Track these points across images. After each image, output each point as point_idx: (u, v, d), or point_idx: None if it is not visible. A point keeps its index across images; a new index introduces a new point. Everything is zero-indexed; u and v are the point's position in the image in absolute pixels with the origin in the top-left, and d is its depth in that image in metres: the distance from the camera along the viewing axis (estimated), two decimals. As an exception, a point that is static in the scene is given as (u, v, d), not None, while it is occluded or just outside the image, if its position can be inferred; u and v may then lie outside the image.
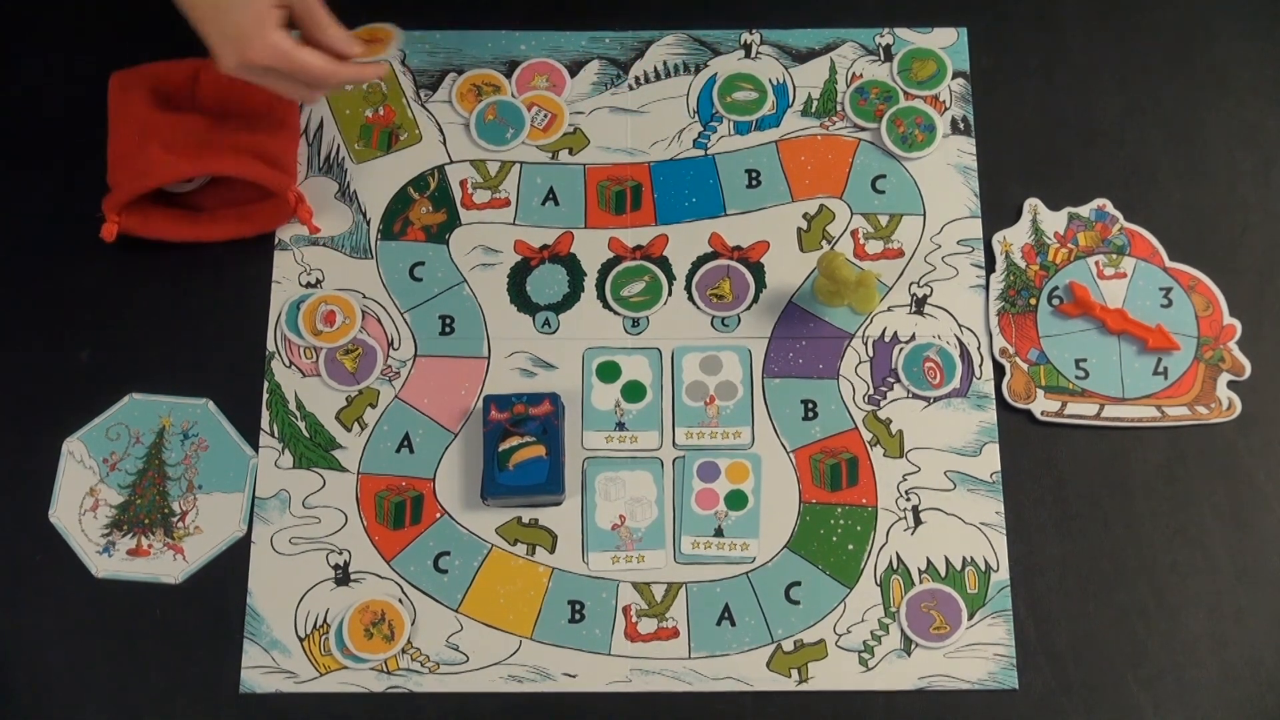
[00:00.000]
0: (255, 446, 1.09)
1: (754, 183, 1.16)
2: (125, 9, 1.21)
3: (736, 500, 1.07)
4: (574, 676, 1.03)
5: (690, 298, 1.13)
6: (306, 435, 1.09)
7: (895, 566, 1.06)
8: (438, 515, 1.07)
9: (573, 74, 1.19)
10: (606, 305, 1.13)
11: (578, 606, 1.05)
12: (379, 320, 1.12)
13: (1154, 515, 1.07)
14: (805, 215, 1.15)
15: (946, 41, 1.20)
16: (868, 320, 1.12)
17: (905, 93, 1.18)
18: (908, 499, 1.07)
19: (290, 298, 1.13)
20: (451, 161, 1.17)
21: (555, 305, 1.13)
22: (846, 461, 1.08)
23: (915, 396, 1.10)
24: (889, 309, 1.12)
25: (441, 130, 1.18)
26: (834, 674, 1.03)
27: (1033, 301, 1.12)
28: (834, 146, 1.17)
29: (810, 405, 1.10)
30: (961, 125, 1.17)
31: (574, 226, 1.15)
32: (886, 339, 1.11)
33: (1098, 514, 1.07)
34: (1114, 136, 1.17)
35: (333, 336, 1.11)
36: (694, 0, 1.22)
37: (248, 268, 1.14)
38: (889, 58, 1.19)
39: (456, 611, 1.05)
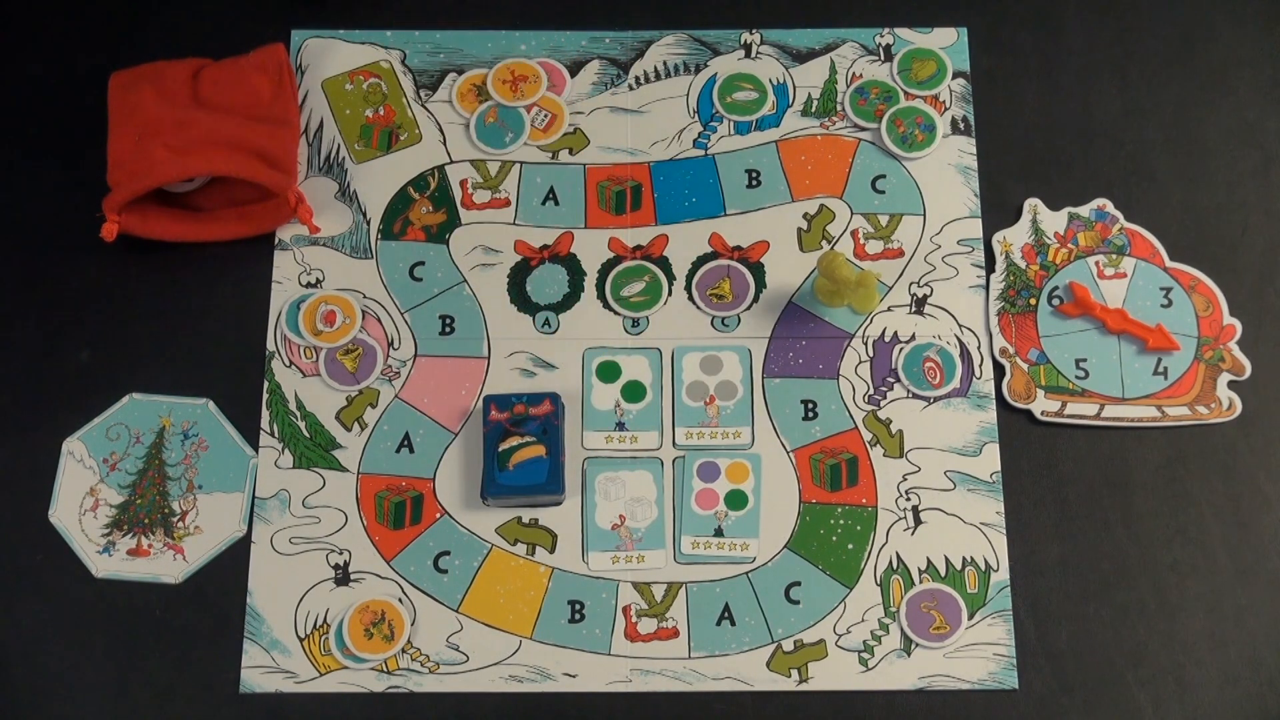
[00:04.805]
0: (255, 446, 1.09)
1: (754, 183, 1.16)
2: (125, 9, 1.21)
3: (736, 500, 1.07)
4: (574, 676, 1.03)
5: (690, 298, 1.13)
6: (306, 435, 1.09)
7: (895, 566, 1.06)
8: (438, 515, 1.07)
9: (573, 74, 1.19)
10: (606, 305, 1.13)
11: (578, 606, 1.05)
12: (379, 320, 1.12)
13: (1154, 515, 1.07)
14: (805, 215, 1.15)
15: (946, 41, 1.20)
16: (868, 320, 1.12)
17: (905, 93, 1.18)
18: (908, 499, 1.07)
19: (290, 298, 1.13)
20: (451, 161, 1.17)
21: (555, 305, 1.13)
22: (846, 461, 1.08)
23: (915, 396, 1.10)
24: (889, 309, 1.12)
25: (441, 130, 1.18)
26: (834, 674, 1.03)
27: (1033, 301, 1.12)
28: (834, 146, 1.17)
29: (810, 405, 1.10)
30: (961, 125, 1.17)
31: (574, 226, 1.15)
32: (886, 339, 1.11)
33: (1098, 514, 1.07)
34: (1114, 136, 1.17)
35: (333, 336, 1.11)
36: (694, 0, 1.22)
37: (248, 268, 1.14)
38: (889, 58, 1.19)
39: (456, 611, 1.05)
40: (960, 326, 1.12)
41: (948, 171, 1.16)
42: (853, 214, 1.15)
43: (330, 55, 1.20)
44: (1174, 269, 1.13)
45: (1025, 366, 1.10)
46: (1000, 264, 1.13)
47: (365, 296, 1.13)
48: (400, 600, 1.05)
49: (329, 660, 1.04)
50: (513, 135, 1.17)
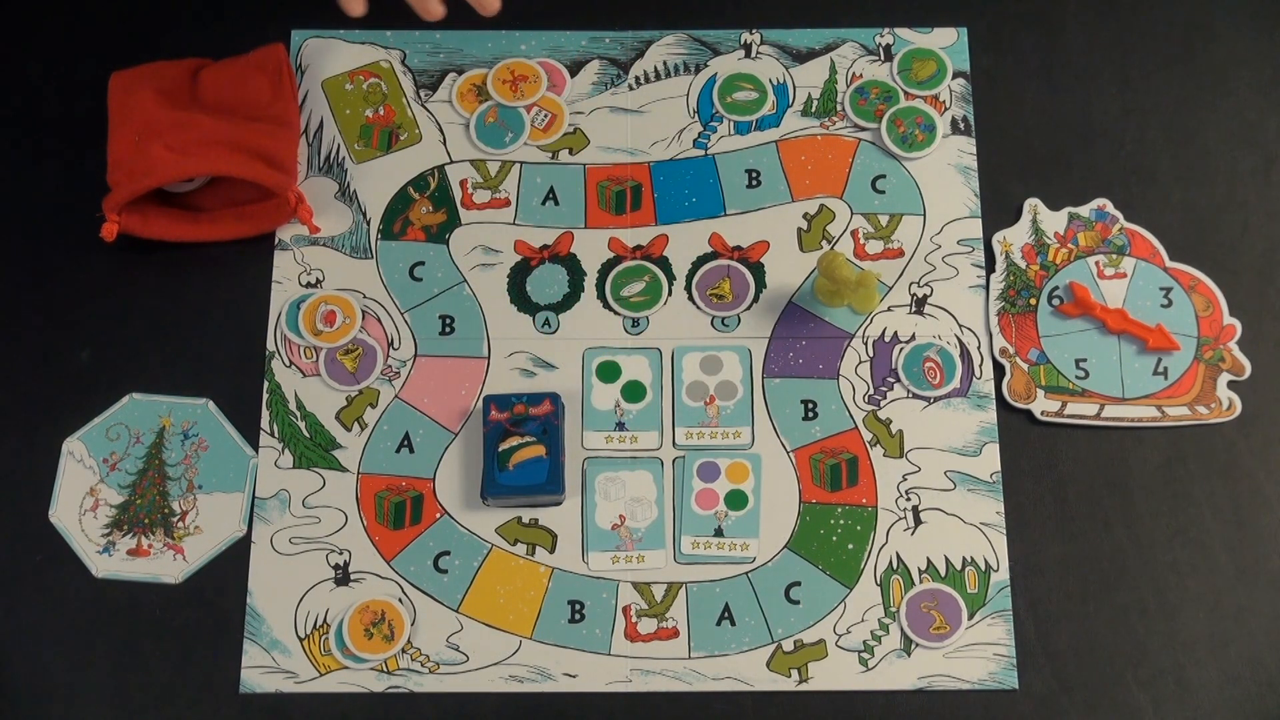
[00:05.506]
0: (255, 446, 1.09)
1: (754, 183, 1.16)
2: (125, 9, 1.21)
3: (736, 500, 1.07)
4: (574, 676, 1.03)
5: (690, 298, 1.13)
6: (306, 435, 1.09)
7: (895, 566, 1.06)
8: (438, 515, 1.07)
9: (573, 74, 1.19)
10: (606, 305, 1.13)
11: (578, 606, 1.05)
12: (379, 320, 1.12)
13: (1154, 515, 1.07)
14: (805, 215, 1.15)
15: (946, 41, 1.20)
16: (868, 320, 1.12)
17: (905, 93, 1.18)
18: (908, 499, 1.07)
19: (290, 298, 1.13)
20: (451, 161, 1.17)
21: (555, 305, 1.13)
22: (846, 461, 1.08)
23: (915, 396, 1.10)
24: (889, 309, 1.12)
25: (441, 130, 1.18)
26: (834, 674, 1.03)
27: (1033, 301, 1.12)
28: (834, 146, 1.17)
29: (810, 405, 1.10)
30: (961, 125, 1.17)
31: (574, 226, 1.15)
32: (886, 339, 1.11)
33: (1098, 514, 1.07)
34: (1114, 136, 1.17)
35: (333, 336, 1.11)
36: (694, 0, 1.22)
37: (248, 268, 1.14)
38: (889, 58, 1.19)
39: (456, 611, 1.05)
40: (960, 326, 1.12)
41: (948, 171, 1.16)
42: (853, 214, 1.15)
43: (330, 55, 1.20)
44: (1174, 269, 1.13)
45: (1025, 366, 1.10)
46: (1000, 264, 1.13)
47: (365, 296, 1.13)
48: (400, 600, 1.05)
49: (329, 660, 1.04)
50: (513, 135, 1.17)
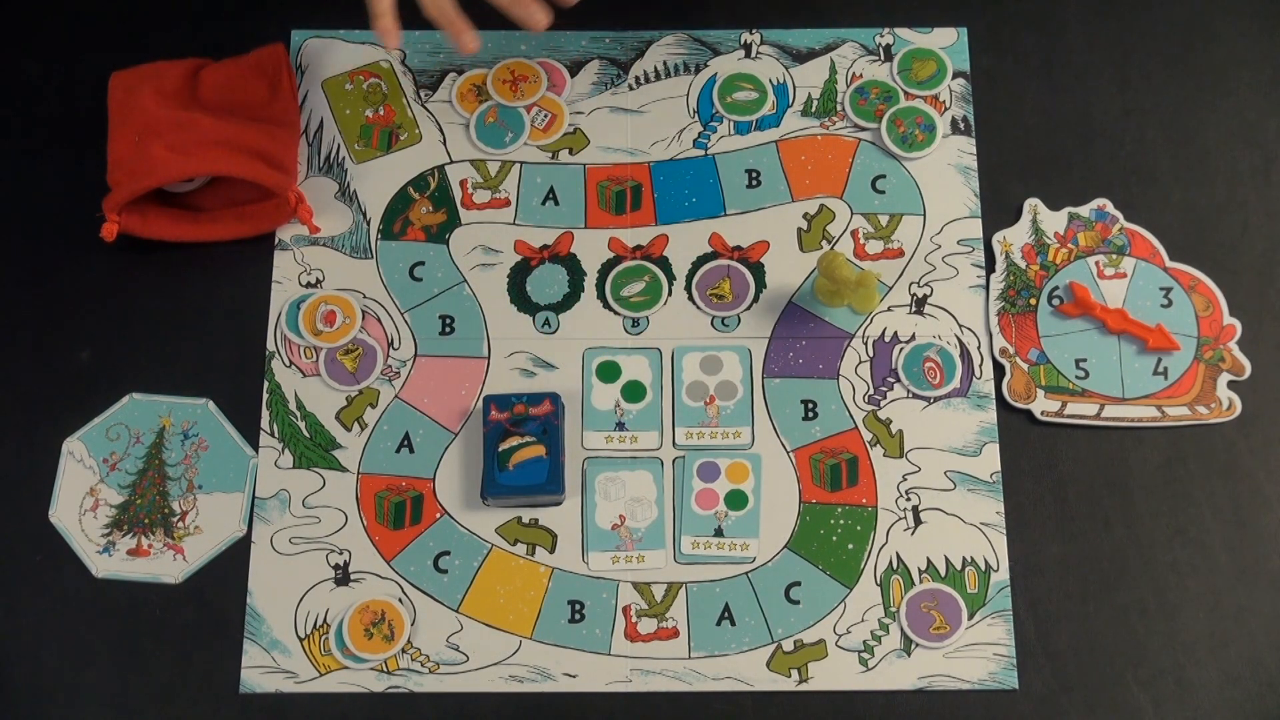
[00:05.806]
0: (255, 446, 1.09)
1: (754, 183, 1.16)
2: (125, 9, 1.21)
3: (736, 500, 1.07)
4: (574, 676, 1.03)
5: (690, 298, 1.13)
6: (306, 435, 1.09)
7: (895, 566, 1.06)
8: (438, 515, 1.07)
9: (573, 74, 1.19)
10: (606, 305, 1.13)
11: (578, 606, 1.05)
12: (379, 320, 1.12)
13: (1154, 515, 1.07)
14: (805, 215, 1.15)
15: (946, 41, 1.20)
16: (868, 320, 1.12)
17: (905, 93, 1.18)
18: (908, 499, 1.07)
19: (290, 298, 1.13)
20: (451, 161, 1.17)
21: (555, 305, 1.13)
22: (846, 461, 1.08)
23: (915, 396, 1.10)
24: (889, 309, 1.12)
25: (441, 130, 1.18)
26: (834, 674, 1.03)
27: (1033, 301, 1.12)
28: (834, 146, 1.17)
29: (810, 405, 1.10)
30: (961, 125, 1.17)
31: (574, 226, 1.15)
32: (886, 339, 1.11)
33: (1098, 514, 1.07)
34: (1114, 136, 1.17)
35: (333, 336, 1.11)
36: (694, 0, 1.22)
37: (248, 268, 1.14)
38: (889, 58, 1.19)
39: (456, 611, 1.05)
40: (960, 326, 1.12)
41: (948, 171, 1.16)
42: (853, 214, 1.15)
43: (330, 55, 1.20)
44: (1174, 269, 1.13)
45: (1025, 366, 1.10)
46: (1000, 264, 1.13)
47: (365, 296, 1.13)
48: (400, 600, 1.05)
49: (329, 660, 1.04)
50: (513, 135, 1.17)
